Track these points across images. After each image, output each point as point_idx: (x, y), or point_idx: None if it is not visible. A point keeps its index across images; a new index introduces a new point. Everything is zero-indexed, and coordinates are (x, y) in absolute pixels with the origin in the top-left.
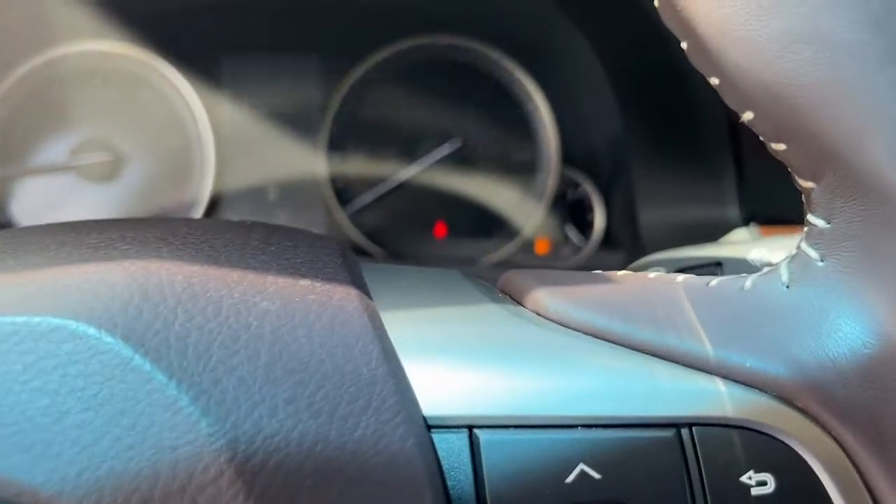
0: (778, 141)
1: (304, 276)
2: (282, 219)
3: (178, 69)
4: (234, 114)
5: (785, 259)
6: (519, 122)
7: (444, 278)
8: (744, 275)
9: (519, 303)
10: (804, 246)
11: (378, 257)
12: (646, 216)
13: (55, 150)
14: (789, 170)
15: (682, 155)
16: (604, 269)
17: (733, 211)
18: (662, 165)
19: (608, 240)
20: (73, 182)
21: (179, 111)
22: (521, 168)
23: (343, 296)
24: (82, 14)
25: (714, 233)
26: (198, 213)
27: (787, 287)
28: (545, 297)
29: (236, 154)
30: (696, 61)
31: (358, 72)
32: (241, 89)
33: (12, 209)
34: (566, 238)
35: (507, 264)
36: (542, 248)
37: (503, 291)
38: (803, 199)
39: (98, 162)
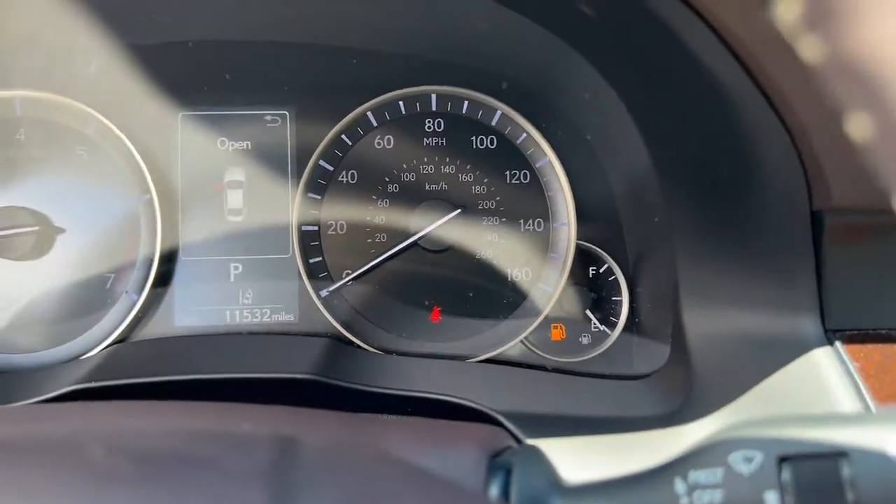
0: None
1: None
2: (245, 298)
3: (123, 123)
4: (191, 174)
5: None
6: (530, 185)
7: None
8: None
9: None
10: None
11: (356, 348)
12: (693, 319)
13: None
14: None
15: (740, 246)
16: (627, 366)
17: (809, 322)
18: (713, 257)
19: (633, 326)
20: None
21: (123, 172)
22: (532, 241)
23: None
24: (13, 57)
25: (784, 348)
26: (140, 293)
27: None
28: None
29: (192, 221)
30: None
31: (339, 124)
32: (201, 145)
33: None
34: (586, 322)
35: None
36: (557, 334)
37: None
38: None
39: (20, 234)
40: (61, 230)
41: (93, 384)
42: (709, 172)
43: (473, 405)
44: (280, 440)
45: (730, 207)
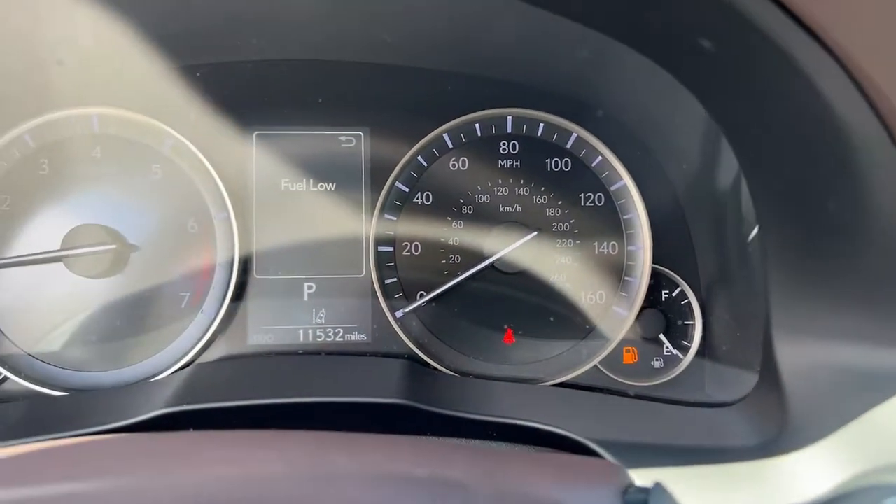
0: None
1: None
2: (319, 317)
3: (198, 141)
4: (265, 193)
5: None
6: (605, 208)
7: None
8: None
9: None
10: None
11: (433, 370)
12: (787, 350)
13: (45, 233)
14: None
15: (841, 279)
16: (699, 391)
17: None
18: (811, 290)
19: (704, 350)
20: (64, 272)
21: (199, 190)
22: (606, 264)
23: None
24: (92, 78)
25: (887, 381)
26: (216, 312)
27: None
28: None
29: (266, 239)
30: None
31: (416, 146)
32: (275, 164)
33: None
34: (658, 346)
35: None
36: (629, 357)
37: None
38: None
39: (98, 252)
40: (136, 248)
41: (185, 407)
42: (813, 205)
43: (567, 434)
44: (456, 486)
45: (832, 241)
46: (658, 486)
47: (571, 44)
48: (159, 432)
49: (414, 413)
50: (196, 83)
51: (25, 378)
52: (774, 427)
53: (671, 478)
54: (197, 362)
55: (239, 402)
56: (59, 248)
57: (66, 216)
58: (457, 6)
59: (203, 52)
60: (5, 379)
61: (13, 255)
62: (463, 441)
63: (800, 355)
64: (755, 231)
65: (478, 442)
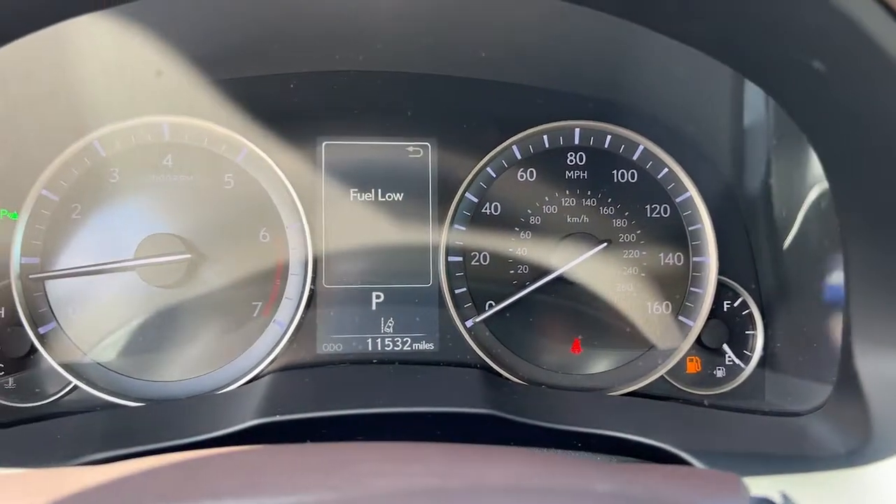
0: None
1: None
2: (387, 326)
3: (269, 151)
4: (334, 203)
5: None
6: (670, 219)
7: None
8: None
9: None
10: None
11: (505, 381)
12: (869, 362)
13: (116, 242)
14: None
15: None
16: (759, 399)
17: None
18: (893, 297)
19: (766, 360)
20: (134, 282)
21: (271, 200)
22: (672, 274)
23: None
24: (162, 88)
25: None
26: (289, 322)
27: None
28: None
29: (335, 249)
30: None
31: (486, 157)
32: (343, 174)
33: (59, 309)
34: (720, 355)
35: (646, 395)
36: (692, 367)
37: None
38: None
39: (173, 262)
40: (208, 257)
41: (277, 418)
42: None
43: (661, 445)
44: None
45: None
46: (786, 498)
47: (663, 62)
48: (309, 444)
49: (499, 423)
50: (266, 93)
51: (97, 388)
52: (859, 436)
53: (767, 486)
54: (270, 371)
55: (332, 413)
56: (132, 257)
57: (137, 225)
58: (541, 23)
59: (273, 63)
60: (75, 388)
61: (83, 263)
62: (553, 452)
63: (881, 366)
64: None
65: (569, 453)
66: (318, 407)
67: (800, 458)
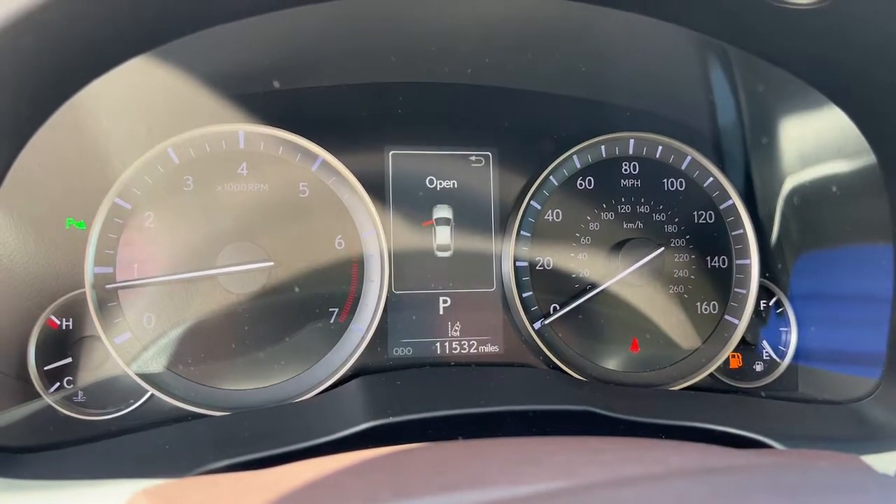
0: None
1: None
2: (454, 330)
3: (341, 160)
4: (402, 211)
5: None
6: (715, 225)
7: None
8: None
9: None
10: None
11: (578, 380)
12: None
13: (191, 250)
14: None
15: None
16: (792, 390)
17: None
18: None
19: (800, 355)
20: (212, 289)
21: (345, 208)
22: (717, 277)
23: None
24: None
25: None
26: (366, 327)
27: None
28: None
29: (404, 256)
30: None
31: (550, 166)
32: (410, 183)
33: (134, 319)
34: (758, 351)
35: (699, 388)
36: (735, 362)
37: None
38: None
39: (254, 269)
40: (285, 265)
41: (391, 420)
42: None
43: (748, 434)
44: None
45: None
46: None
47: (754, 80)
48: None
49: (591, 419)
50: (337, 101)
51: (176, 398)
52: None
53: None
54: (346, 376)
55: (443, 413)
56: (207, 265)
57: (212, 233)
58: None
59: (344, 73)
60: (151, 396)
61: (157, 272)
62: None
63: None
64: None
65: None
66: (427, 408)
67: (865, 439)
